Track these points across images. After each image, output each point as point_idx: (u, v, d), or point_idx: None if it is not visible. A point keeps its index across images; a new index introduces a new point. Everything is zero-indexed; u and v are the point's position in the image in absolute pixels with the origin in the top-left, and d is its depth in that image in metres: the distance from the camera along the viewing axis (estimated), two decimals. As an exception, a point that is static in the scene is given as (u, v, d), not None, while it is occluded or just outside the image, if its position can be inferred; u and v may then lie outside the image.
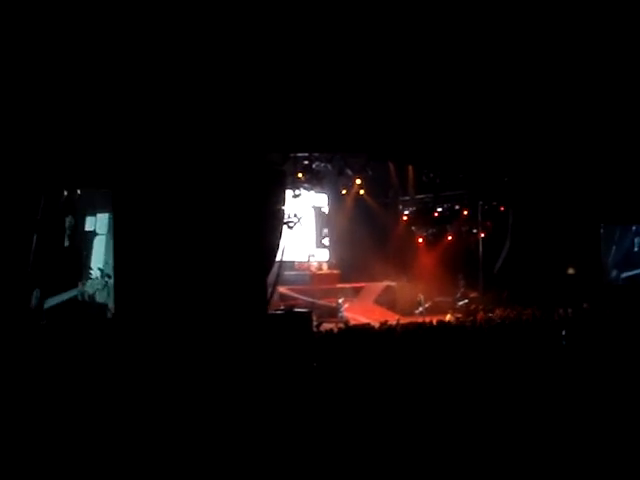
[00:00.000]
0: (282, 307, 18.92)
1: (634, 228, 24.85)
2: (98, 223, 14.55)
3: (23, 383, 9.91)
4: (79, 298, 13.92)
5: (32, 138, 12.75)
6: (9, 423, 7.95)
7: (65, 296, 13.61)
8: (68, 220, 13.85)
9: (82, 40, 13.10)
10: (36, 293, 13.13)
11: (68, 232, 13.88)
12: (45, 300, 13.28)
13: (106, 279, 14.54)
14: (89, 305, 14.22)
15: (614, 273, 24.99)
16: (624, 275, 24.84)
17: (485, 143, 21.09)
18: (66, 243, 13.85)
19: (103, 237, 14.63)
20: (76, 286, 13.99)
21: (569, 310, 18.83)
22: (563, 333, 14.05)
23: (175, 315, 14.54)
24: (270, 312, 17.71)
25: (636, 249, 24.79)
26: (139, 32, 13.74)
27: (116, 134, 14.27)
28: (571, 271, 24.32)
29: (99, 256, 14.52)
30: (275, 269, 19.21)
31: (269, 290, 18.54)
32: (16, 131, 12.52)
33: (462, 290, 24.97)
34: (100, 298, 14.45)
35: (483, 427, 8.04)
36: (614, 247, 24.92)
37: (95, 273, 14.44)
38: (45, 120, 13.04)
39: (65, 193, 13.60)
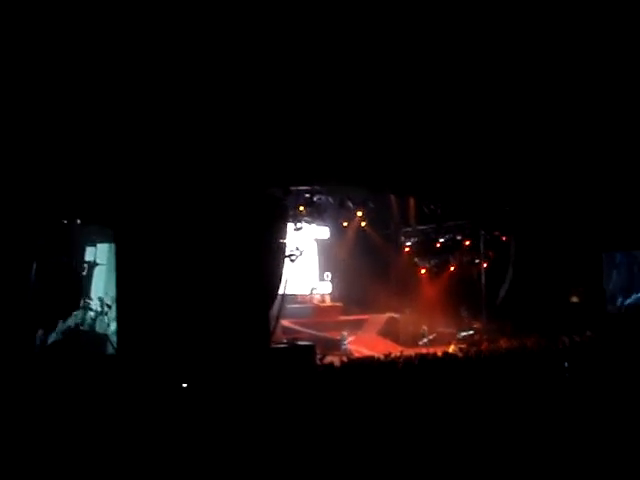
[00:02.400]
0: (285, 340, 18.85)
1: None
2: (98, 253, 14.53)
3: (29, 418, 9.83)
4: (77, 328, 13.88)
5: (35, 170, 12.76)
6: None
7: (63, 327, 13.56)
8: (67, 252, 13.86)
9: (88, 79, 13.20)
10: (40, 333, 13.11)
11: (67, 263, 13.87)
12: (48, 336, 13.26)
13: (106, 309, 14.51)
14: (89, 335, 14.17)
15: (619, 300, 24.84)
16: (628, 302, 24.71)
17: (486, 173, 21.13)
18: (65, 275, 13.83)
19: (103, 267, 14.60)
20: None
21: (574, 338, 18.75)
22: (566, 364, 13.98)
23: (178, 348, 14.51)
24: (273, 346, 17.66)
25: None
26: (139, 70, 13.85)
27: (118, 169, 14.34)
28: (575, 299, 24.25)
29: (99, 286, 14.48)
30: (278, 302, 19.19)
31: (272, 323, 18.50)
32: (18, 161, 12.51)
33: (465, 321, 24.91)
34: (100, 328, 14.42)
35: (489, 458, 7.98)
36: (615, 271, 24.81)
37: (95, 303, 14.41)
38: (50, 153, 13.08)
39: (65, 222, 13.59)
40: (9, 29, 11.50)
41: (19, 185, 12.50)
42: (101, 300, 14.49)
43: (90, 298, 14.36)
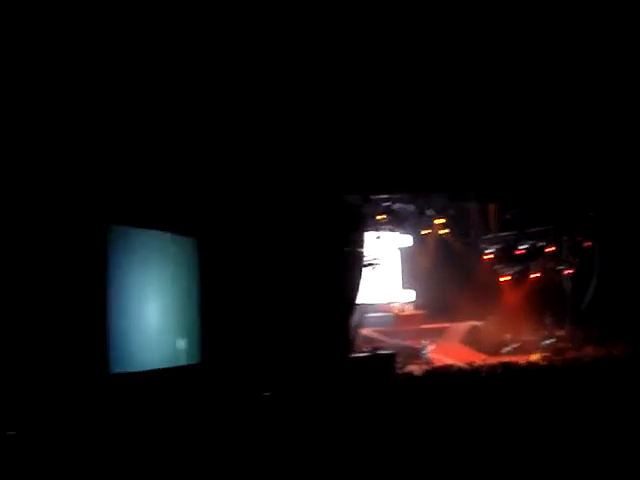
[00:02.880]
0: (365, 349, 18.85)
1: None
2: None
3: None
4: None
5: (121, 179, 12.91)
6: None
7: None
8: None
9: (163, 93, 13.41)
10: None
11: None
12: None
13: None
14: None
15: None
16: None
17: (568, 178, 20.78)
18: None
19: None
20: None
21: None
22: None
23: (259, 357, 14.65)
24: (353, 355, 17.69)
25: None
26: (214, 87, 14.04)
27: (199, 179, 14.54)
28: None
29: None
30: (358, 311, 19.23)
31: (352, 332, 18.53)
32: (103, 169, 12.63)
33: (549, 328, 24.49)
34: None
35: (577, 468, 7.79)
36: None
37: None
38: (138, 163, 13.25)
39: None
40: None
41: (101, 193, 12.65)
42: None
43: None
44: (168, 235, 14.29)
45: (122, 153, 12.94)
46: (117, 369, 12.53)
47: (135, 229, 13.46)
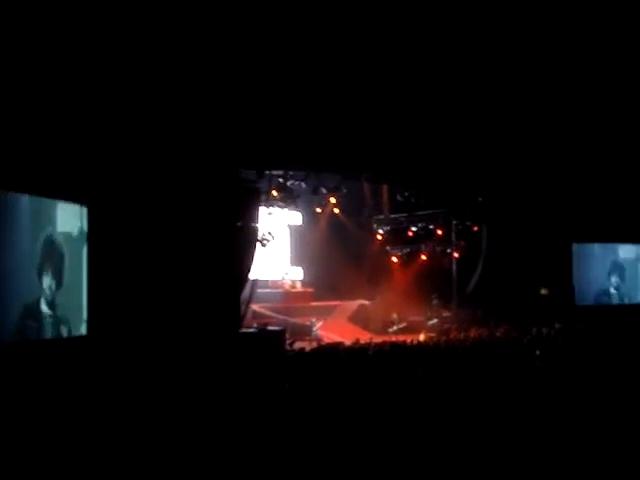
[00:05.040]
0: (255, 325, 18.79)
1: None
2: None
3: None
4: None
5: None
6: None
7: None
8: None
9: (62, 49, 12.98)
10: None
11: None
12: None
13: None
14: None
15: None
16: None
17: (459, 163, 21.18)
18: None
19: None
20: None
21: (542, 329, 18.81)
22: (537, 353, 14.00)
23: (147, 332, 14.43)
24: (243, 330, 17.62)
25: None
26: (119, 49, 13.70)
27: (90, 148, 14.15)
28: (544, 292, 24.34)
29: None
30: (248, 287, 19.15)
31: (242, 308, 18.45)
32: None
33: (436, 309, 24.95)
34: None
35: (455, 447, 7.95)
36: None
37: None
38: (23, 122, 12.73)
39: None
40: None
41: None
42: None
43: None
44: (56, 202, 13.83)
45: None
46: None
47: (15, 194, 12.89)
